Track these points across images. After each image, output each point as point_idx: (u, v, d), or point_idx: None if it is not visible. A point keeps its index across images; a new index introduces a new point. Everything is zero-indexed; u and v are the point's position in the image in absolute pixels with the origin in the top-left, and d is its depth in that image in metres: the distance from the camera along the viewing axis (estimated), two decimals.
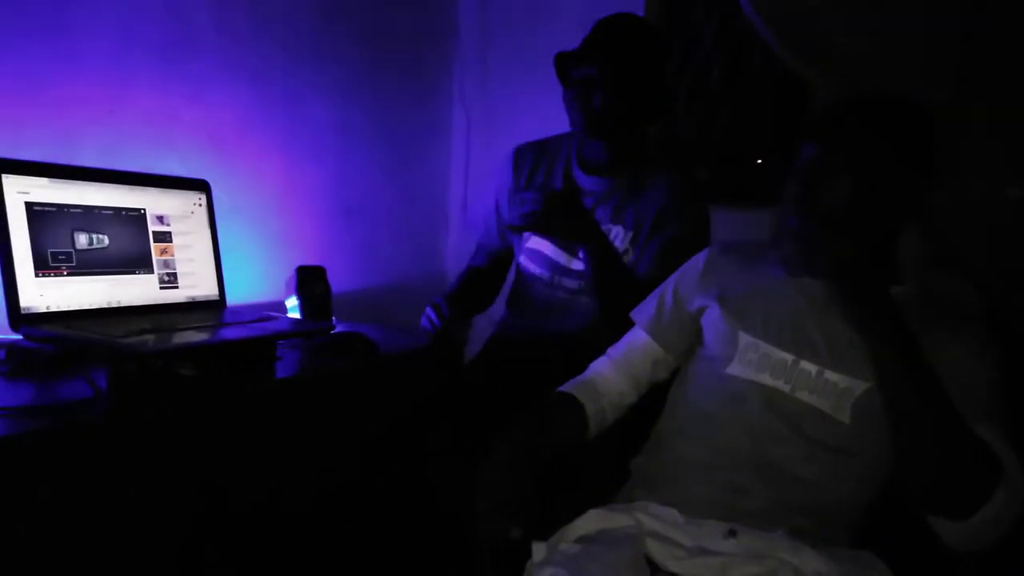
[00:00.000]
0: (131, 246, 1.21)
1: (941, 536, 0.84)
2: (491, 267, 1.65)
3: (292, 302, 1.45)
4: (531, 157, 1.53)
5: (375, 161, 1.96)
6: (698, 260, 1.11)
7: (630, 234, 1.42)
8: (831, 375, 0.93)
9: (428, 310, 1.49)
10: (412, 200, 2.12)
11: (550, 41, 1.99)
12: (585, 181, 1.46)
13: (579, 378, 1.12)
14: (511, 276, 1.63)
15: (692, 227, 1.38)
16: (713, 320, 1.04)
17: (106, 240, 1.17)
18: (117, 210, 1.20)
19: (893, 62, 1.56)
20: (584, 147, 1.47)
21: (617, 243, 1.42)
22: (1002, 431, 0.83)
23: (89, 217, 1.16)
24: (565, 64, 1.40)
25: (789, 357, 0.96)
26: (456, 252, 2.22)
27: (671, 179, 1.41)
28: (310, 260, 1.50)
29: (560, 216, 1.34)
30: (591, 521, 0.92)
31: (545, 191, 1.38)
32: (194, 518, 0.99)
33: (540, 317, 1.49)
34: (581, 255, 1.40)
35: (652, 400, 1.13)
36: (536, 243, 1.49)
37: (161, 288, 1.25)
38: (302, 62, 1.72)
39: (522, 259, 1.53)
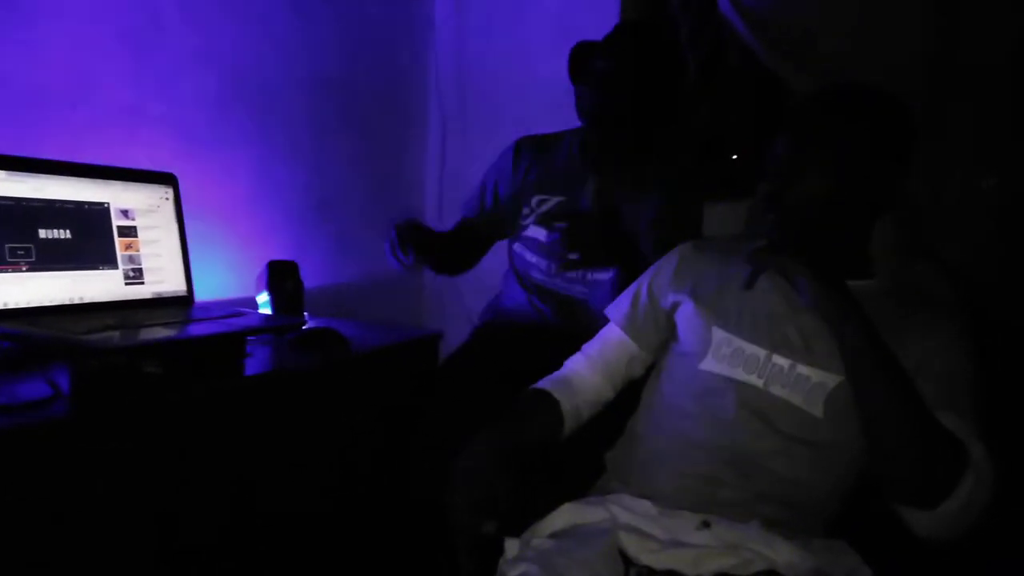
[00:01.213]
0: (94, 241, 1.18)
1: (911, 526, 0.84)
2: (466, 239, 1.59)
3: (263, 298, 1.43)
4: (531, 151, 1.52)
5: (349, 156, 1.94)
6: (672, 256, 1.11)
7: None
8: (804, 369, 0.93)
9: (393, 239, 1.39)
10: (386, 195, 2.09)
11: (526, 36, 2.00)
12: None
13: (555, 375, 1.11)
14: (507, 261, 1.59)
15: (685, 233, 1.36)
16: (687, 316, 1.04)
17: (68, 235, 1.14)
18: (79, 204, 1.17)
19: (869, 57, 1.57)
20: (588, 143, 1.45)
21: None
22: (972, 421, 0.84)
23: (50, 211, 1.12)
24: (581, 58, 1.39)
25: (762, 352, 0.96)
26: None
27: (670, 182, 1.41)
28: (282, 255, 1.48)
29: (588, 243, 1.28)
30: (564, 516, 0.92)
31: (572, 216, 1.34)
32: (162, 519, 0.97)
33: (536, 305, 1.48)
34: (612, 275, 1.38)
35: (627, 395, 1.12)
36: (534, 231, 1.47)
37: (126, 284, 1.22)
38: (274, 54, 1.69)
39: (517, 246, 1.51)
